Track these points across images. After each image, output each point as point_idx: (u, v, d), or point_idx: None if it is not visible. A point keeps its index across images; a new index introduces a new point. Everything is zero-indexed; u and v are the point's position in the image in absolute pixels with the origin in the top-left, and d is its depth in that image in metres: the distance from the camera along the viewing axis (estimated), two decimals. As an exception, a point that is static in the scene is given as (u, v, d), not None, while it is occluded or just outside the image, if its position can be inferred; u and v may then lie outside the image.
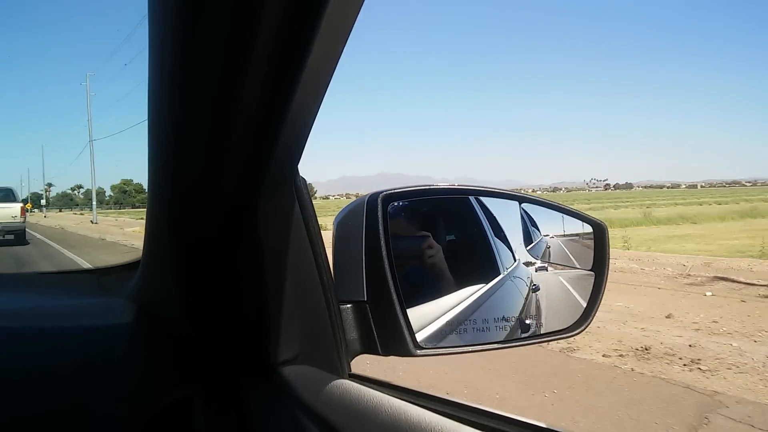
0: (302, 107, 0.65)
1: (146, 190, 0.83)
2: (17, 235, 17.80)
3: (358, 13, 0.58)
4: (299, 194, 0.79)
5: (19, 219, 17.73)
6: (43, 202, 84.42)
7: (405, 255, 0.82)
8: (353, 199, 0.97)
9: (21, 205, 18.32)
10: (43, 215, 69.17)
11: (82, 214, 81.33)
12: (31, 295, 1.26)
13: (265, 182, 0.73)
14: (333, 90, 0.68)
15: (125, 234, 23.26)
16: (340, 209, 0.87)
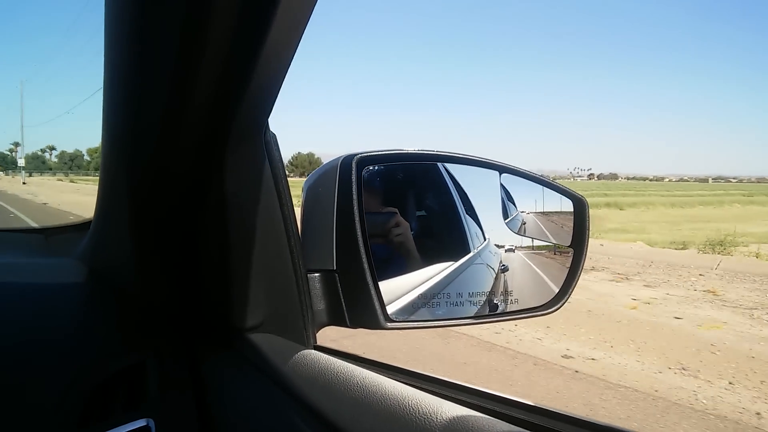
0: (274, 53, 0.60)
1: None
2: None
3: None
4: (269, 150, 0.74)
5: None
6: (21, 161, 59.79)
7: (370, 232, 0.77)
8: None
9: None
10: (22, 181, 50.84)
11: (73, 181, 64.48)
12: None
13: (232, 134, 0.68)
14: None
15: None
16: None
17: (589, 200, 0.96)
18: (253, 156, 0.73)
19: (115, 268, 0.90)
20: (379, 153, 0.82)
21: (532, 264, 0.98)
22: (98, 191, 0.86)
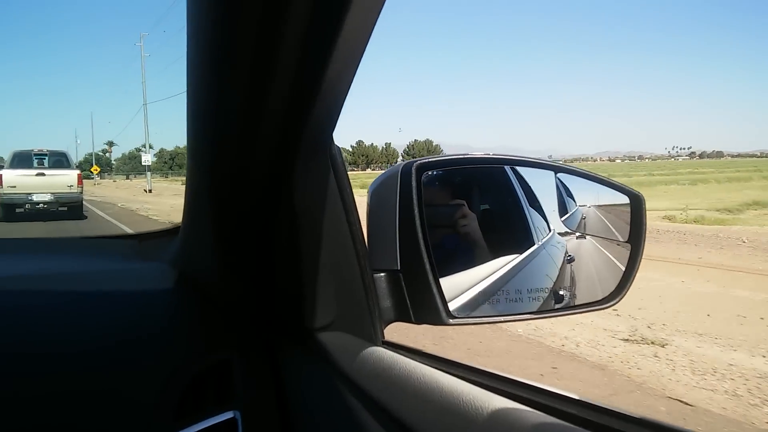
0: (336, 75, 0.66)
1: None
2: (73, 208, 16.01)
3: None
4: (334, 163, 0.80)
5: (75, 189, 16.04)
6: (146, 159, 39.97)
7: (439, 223, 0.82)
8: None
9: (77, 172, 16.73)
10: (147, 188, 36.83)
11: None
12: (72, 259, 1.29)
13: (300, 151, 0.74)
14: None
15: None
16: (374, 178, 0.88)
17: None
18: (320, 168, 0.79)
19: (202, 272, 0.99)
20: (439, 158, 0.87)
21: (600, 247, 0.99)
22: (185, 198, 0.94)
